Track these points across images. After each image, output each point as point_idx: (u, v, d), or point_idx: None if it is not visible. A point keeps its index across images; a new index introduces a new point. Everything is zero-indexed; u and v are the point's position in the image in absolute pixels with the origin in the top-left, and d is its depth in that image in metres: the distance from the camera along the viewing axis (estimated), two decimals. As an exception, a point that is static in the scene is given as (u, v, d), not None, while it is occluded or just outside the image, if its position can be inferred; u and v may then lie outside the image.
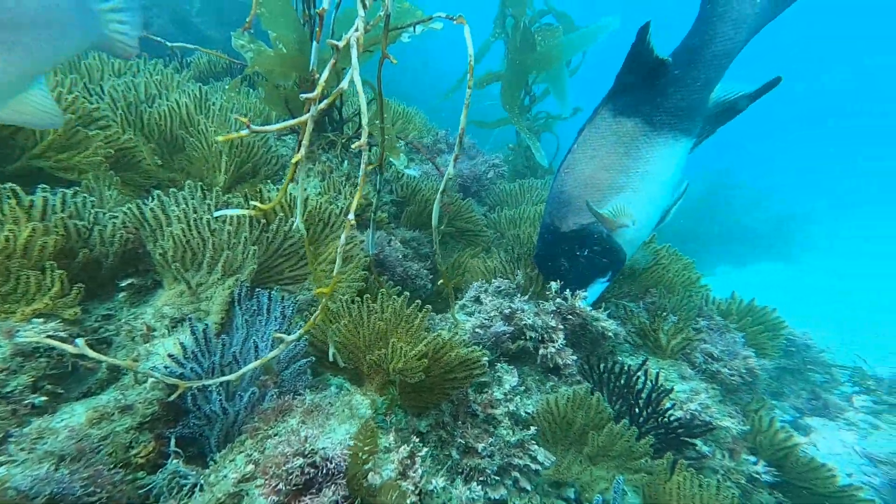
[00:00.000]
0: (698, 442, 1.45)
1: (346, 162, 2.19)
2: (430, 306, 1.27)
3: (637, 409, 1.41)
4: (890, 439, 3.17)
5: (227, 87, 1.99)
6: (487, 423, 1.26)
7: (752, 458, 1.50)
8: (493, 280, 1.83)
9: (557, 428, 1.39)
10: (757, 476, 1.42)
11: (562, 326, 1.53)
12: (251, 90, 2.60)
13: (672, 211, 1.81)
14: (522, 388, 1.46)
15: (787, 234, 10.42)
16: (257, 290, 1.06)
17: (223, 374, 0.90)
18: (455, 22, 1.22)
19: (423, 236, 2.47)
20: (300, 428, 0.82)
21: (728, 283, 8.56)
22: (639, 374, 1.46)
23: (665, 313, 1.92)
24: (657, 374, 1.47)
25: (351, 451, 0.81)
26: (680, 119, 1.67)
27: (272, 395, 0.93)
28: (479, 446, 1.19)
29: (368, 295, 1.25)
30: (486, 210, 3.49)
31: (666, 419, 1.37)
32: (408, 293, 1.24)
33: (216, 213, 0.96)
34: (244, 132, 0.84)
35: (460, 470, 1.19)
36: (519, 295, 1.74)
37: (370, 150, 2.38)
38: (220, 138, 0.76)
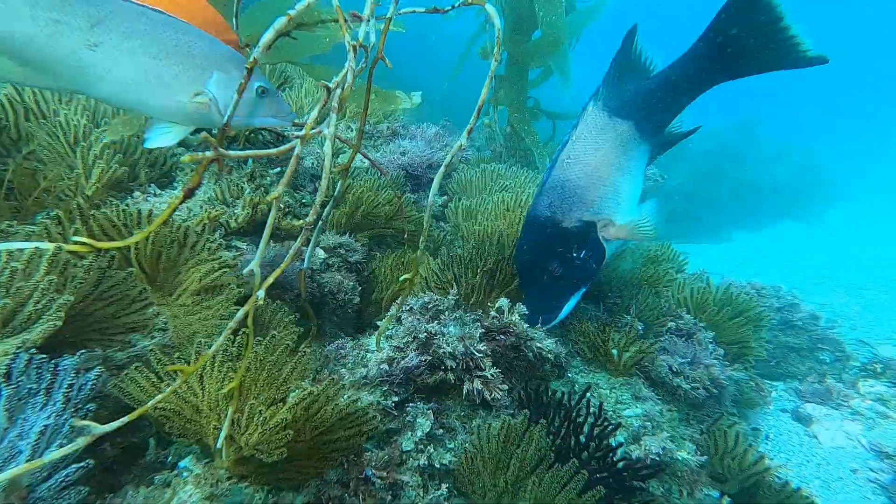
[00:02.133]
0: (653, 483, 1.23)
1: (249, 160, 1.89)
2: (308, 350, 1.01)
3: (579, 449, 1.18)
4: (900, 430, 2.80)
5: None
6: (388, 489, 1.02)
7: (715, 494, 1.29)
8: (422, 294, 1.57)
9: (486, 473, 1.15)
10: (719, 516, 1.21)
11: (489, 352, 1.28)
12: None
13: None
14: (441, 430, 1.22)
15: (809, 192, 9.57)
16: (42, 358, 0.78)
17: None
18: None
19: (356, 242, 2.19)
20: None
21: (745, 250, 7.79)
22: (580, 404, 1.23)
23: (627, 318, 1.70)
24: (600, 404, 1.24)
25: None
26: (653, 135, 1.66)
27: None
28: (371, 525, 0.94)
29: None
30: (444, 201, 3.21)
31: (610, 461, 1.14)
32: (274, 334, 0.97)
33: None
34: (209, 154, 0.65)
35: (348, 556, 0.94)
36: (447, 312, 1.49)
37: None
38: (185, 158, 0.60)
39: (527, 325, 1.35)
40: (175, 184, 1.79)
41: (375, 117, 3.01)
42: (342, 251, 2.05)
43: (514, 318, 1.35)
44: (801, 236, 8.78)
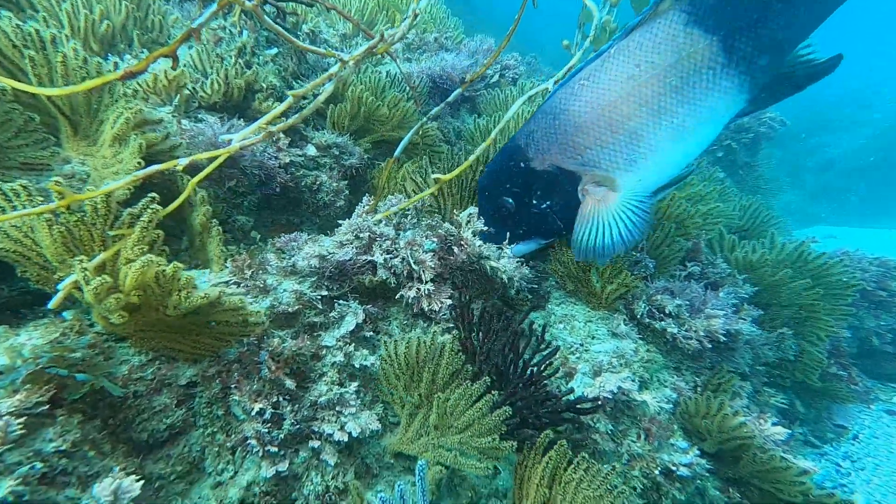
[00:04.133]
0: (603, 421, 1.08)
1: (245, 32, 1.76)
2: (214, 227, 0.94)
3: (514, 372, 1.05)
4: None
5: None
6: (292, 375, 0.97)
7: (683, 444, 1.11)
8: (391, 197, 1.44)
9: (400, 386, 1.06)
10: (673, 468, 1.05)
11: (432, 264, 1.14)
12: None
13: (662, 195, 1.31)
14: (372, 333, 1.13)
15: None
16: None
17: None
18: None
19: (353, 144, 2.05)
20: None
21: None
22: (523, 324, 1.07)
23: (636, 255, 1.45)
24: (543, 326, 1.07)
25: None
26: (759, 61, 1.11)
27: None
28: (256, 407, 0.90)
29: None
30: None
31: (541, 388, 1.00)
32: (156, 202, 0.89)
33: None
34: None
35: (235, 434, 0.92)
36: (409, 217, 1.35)
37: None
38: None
39: (480, 242, 1.18)
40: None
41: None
42: (336, 152, 1.94)
43: (466, 235, 1.18)
44: None
